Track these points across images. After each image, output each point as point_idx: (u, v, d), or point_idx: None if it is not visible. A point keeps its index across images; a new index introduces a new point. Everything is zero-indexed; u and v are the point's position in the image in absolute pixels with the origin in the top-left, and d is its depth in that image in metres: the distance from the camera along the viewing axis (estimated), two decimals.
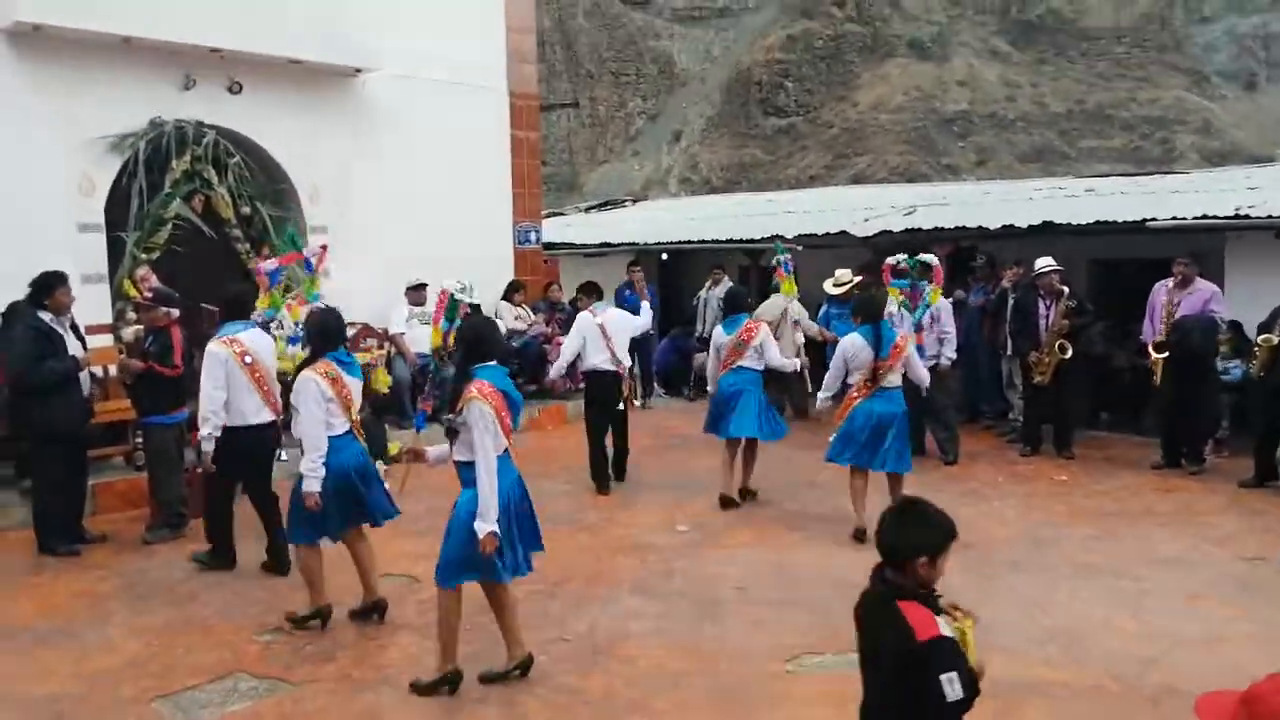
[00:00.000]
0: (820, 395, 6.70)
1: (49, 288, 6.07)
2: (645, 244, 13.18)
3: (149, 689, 4.27)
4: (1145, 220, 8.72)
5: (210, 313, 7.08)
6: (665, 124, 38.02)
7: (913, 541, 2.47)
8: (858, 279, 9.78)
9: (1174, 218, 8.62)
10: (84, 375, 6.28)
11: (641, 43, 39.13)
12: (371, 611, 5.01)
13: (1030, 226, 9.36)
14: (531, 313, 10.82)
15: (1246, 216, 8.33)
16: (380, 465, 7.73)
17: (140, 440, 6.90)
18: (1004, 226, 9.58)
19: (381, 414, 8.73)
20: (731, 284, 11.00)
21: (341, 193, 9.55)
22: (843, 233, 10.86)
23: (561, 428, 10.18)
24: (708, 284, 11.57)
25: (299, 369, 4.91)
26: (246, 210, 8.76)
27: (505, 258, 11.32)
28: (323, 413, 4.70)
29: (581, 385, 8.42)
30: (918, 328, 7.98)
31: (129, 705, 4.13)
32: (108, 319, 7.89)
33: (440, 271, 7.27)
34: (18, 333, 6.03)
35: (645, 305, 8.49)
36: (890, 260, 8.22)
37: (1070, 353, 8.22)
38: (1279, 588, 5.37)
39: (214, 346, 5.58)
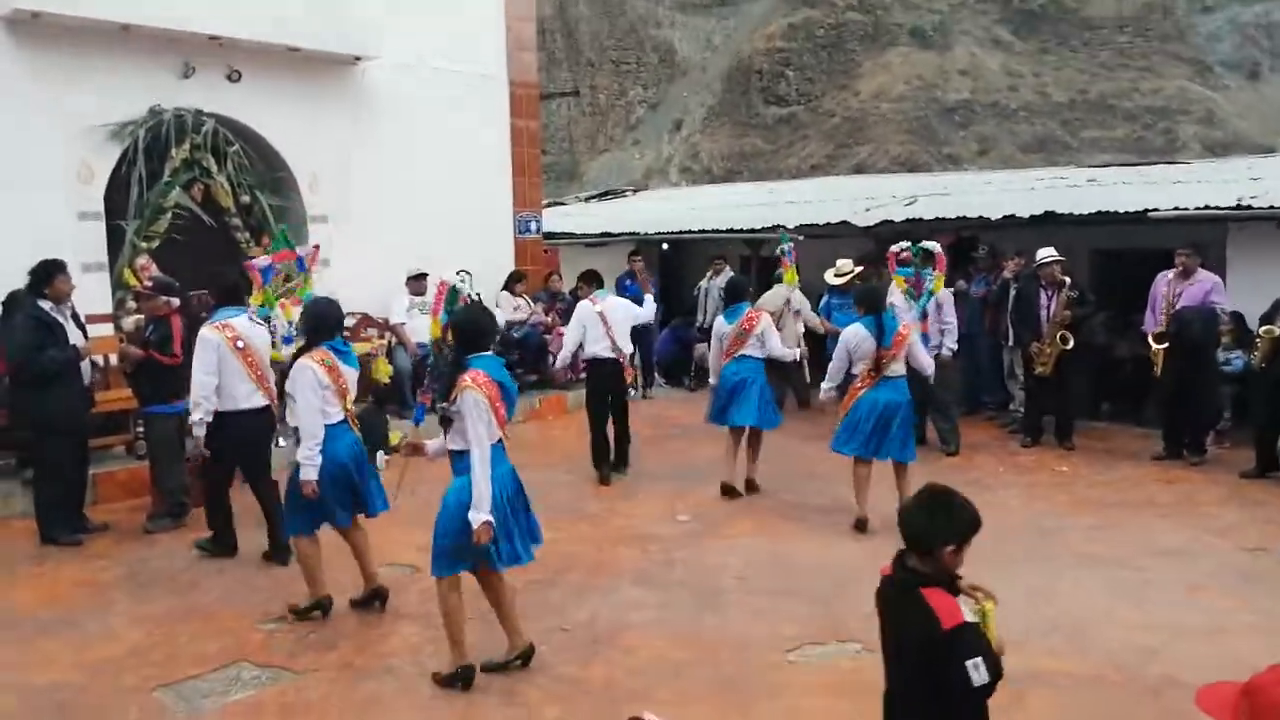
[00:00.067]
0: (824, 386, 6.69)
1: (48, 276, 6.06)
2: (646, 234, 13.13)
3: (151, 678, 4.27)
4: (1147, 210, 8.68)
5: (200, 298, 7.04)
6: (666, 113, 37.95)
7: (940, 529, 2.47)
8: (859, 269, 9.75)
9: (1176, 208, 8.58)
10: (85, 364, 6.28)
11: (642, 31, 39.02)
12: (373, 599, 5.03)
13: (1032, 216, 9.34)
14: (532, 303, 10.81)
15: (1249, 207, 8.30)
16: (381, 455, 7.83)
17: (141, 429, 6.90)
18: (1005, 216, 9.56)
19: (383, 404, 8.74)
20: (733, 274, 10.98)
21: (341, 181, 9.53)
22: (844, 222, 10.82)
23: (562, 418, 10.18)
24: (709, 274, 11.54)
25: (295, 356, 4.89)
26: (246, 199, 8.75)
27: (505, 247, 11.29)
28: (319, 401, 4.69)
29: (583, 375, 8.42)
30: (922, 316, 7.96)
31: (131, 694, 4.14)
32: (108, 308, 7.87)
33: (440, 260, 7.25)
34: (18, 322, 6.02)
35: (649, 298, 8.47)
36: (894, 248, 8.18)
37: (1072, 343, 8.20)
38: None
39: (206, 331, 5.56)
